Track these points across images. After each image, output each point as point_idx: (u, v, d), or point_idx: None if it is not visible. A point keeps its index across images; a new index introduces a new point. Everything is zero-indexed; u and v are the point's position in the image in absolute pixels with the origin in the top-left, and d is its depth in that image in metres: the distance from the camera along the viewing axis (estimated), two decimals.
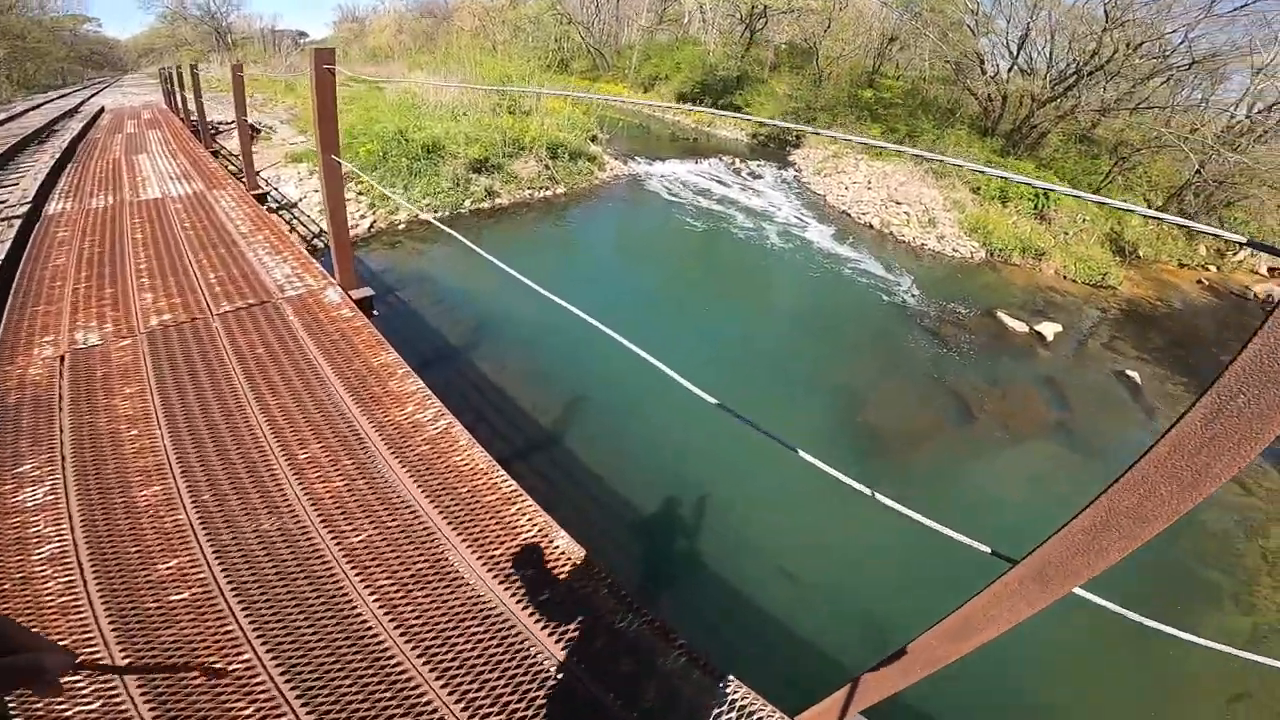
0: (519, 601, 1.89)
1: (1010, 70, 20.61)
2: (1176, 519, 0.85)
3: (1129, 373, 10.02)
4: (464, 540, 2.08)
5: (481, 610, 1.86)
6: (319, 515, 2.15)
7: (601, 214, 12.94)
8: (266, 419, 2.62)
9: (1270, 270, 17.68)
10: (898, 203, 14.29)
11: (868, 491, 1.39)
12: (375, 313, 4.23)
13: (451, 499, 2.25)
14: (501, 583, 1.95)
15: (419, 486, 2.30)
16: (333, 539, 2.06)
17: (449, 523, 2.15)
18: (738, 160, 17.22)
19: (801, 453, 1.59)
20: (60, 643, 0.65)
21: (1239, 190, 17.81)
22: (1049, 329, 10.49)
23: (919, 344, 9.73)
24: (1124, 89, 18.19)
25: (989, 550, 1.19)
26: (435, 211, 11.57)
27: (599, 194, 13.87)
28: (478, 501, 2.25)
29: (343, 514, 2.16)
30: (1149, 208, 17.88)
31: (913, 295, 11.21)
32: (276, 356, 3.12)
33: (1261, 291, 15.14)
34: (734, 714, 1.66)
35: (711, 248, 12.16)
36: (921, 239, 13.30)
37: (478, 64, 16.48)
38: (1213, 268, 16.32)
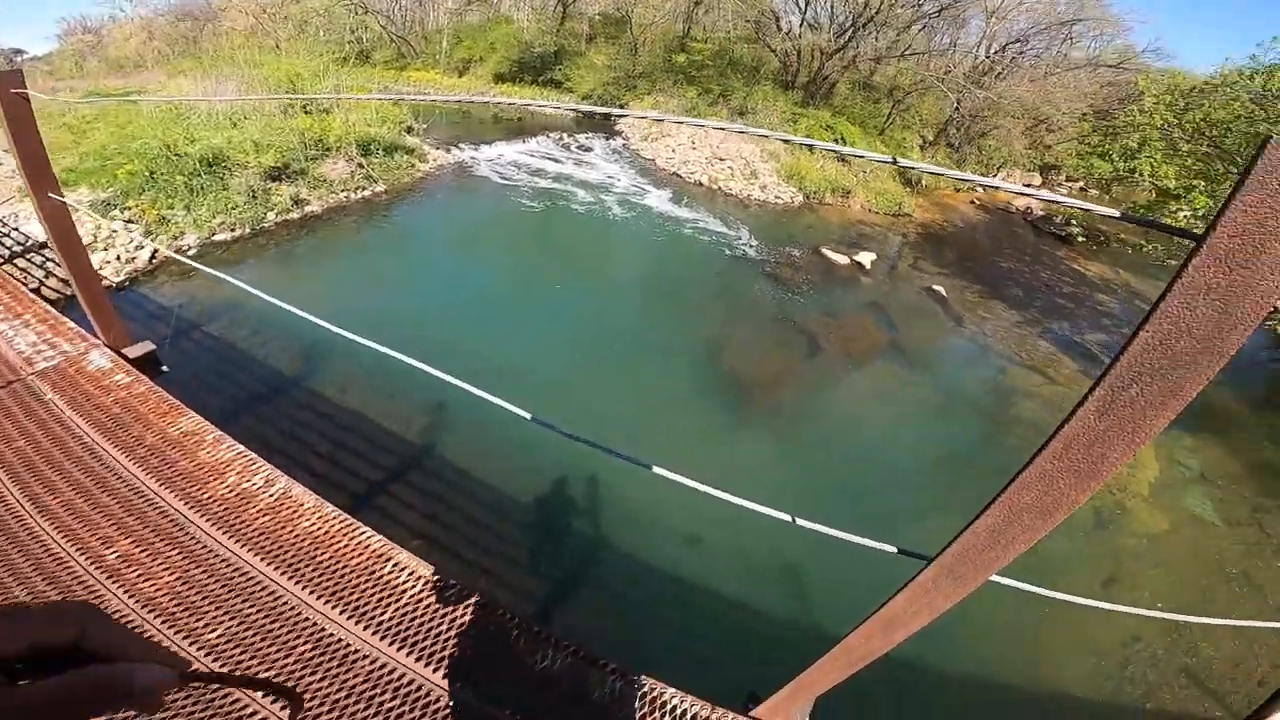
0: (425, 664, 1.74)
1: (801, 26, 22.38)
2: (1076, 508, 0.85)
3: (935, 287, 11.56)
4: (344, 612, 1.86)
5: (388, 679, 1.71)
6: (158, 616, 1.81)
7: (430, 208, 12.07)
8: (54, 524, 2.08)
9: (1025, 186, 21.36)
10: (721, 159, 15.01)
11: (768, 512, 1.35)
12: (165, 369, 3.50)
13: (314, 570, 1.97)
14: (401, 648, 1.77)
15: (270, 563, 1.98)
16: (184, 638, 1.77)
17: (318, 595, 1.89)
18: (565, 135, 16.99)
19: (657, 469, 1.53)
20: None
21: (990, 122, 21.18)
22: (866, 258, 11.73)
23: (761, 289, 10.39)
24: (891, 38, 20.61)
25: (896, 550, 1.18)
26: (233, 229, 10.03)
27: (424, 187, 12.92)
28: (345, 565, 1.99)
29: (186, 610, 1.84)
30: (923, 144, 20.53)
31: (747, 244, 11.91)
32: (43, 448, 2.45)
33: (1020, 205, 18.26)
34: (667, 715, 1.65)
35: (552, 227, 11.91)
36: (747, 190, 14.13)
37: (256, 65, 14.42)
38: (981, 189, 19.31)
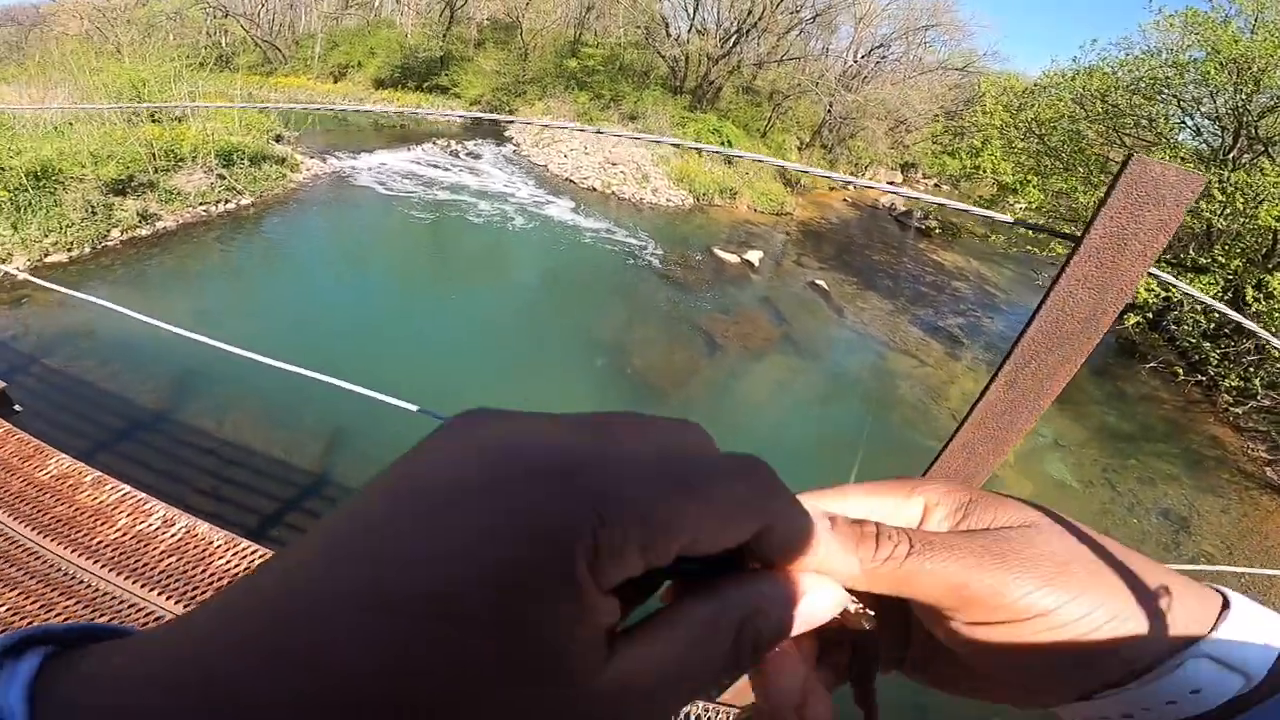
0: None
1: (689, 31, 23.16)
2: (991, 472, 0.98)
3: (818, 281, 12.40)
4: None
5: None
6: None
7: (306, 221, 11.28)
8: None
9: (890, 183, 23.44)
10: (614, 164, 15.24)
11: None
12: (18, 409, 3.08)
13: None
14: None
15: (190, 607, 1.78)
16: None
17: None
18: (453, 142, 16.48)
19: None
20: None
21: (858, 124, 23.03)
22: (754, 256, 12.38)
23: (658, 290, 10.67)
24: (771, 43, 21.85)
25: None
26: (69, 249, 8.90)
27: (298, 199, 12.04)
28: None
29: None
30: (800, 145, 21.91)
31: (642, 247, 12.18)
32: None
33: (885, 203, 19.99)
34: None
35: (442, 238, 11.53)
36: (639, 194, 14.46)
37: (94, 71, 12.76)
38: (852, 188, 20.94)
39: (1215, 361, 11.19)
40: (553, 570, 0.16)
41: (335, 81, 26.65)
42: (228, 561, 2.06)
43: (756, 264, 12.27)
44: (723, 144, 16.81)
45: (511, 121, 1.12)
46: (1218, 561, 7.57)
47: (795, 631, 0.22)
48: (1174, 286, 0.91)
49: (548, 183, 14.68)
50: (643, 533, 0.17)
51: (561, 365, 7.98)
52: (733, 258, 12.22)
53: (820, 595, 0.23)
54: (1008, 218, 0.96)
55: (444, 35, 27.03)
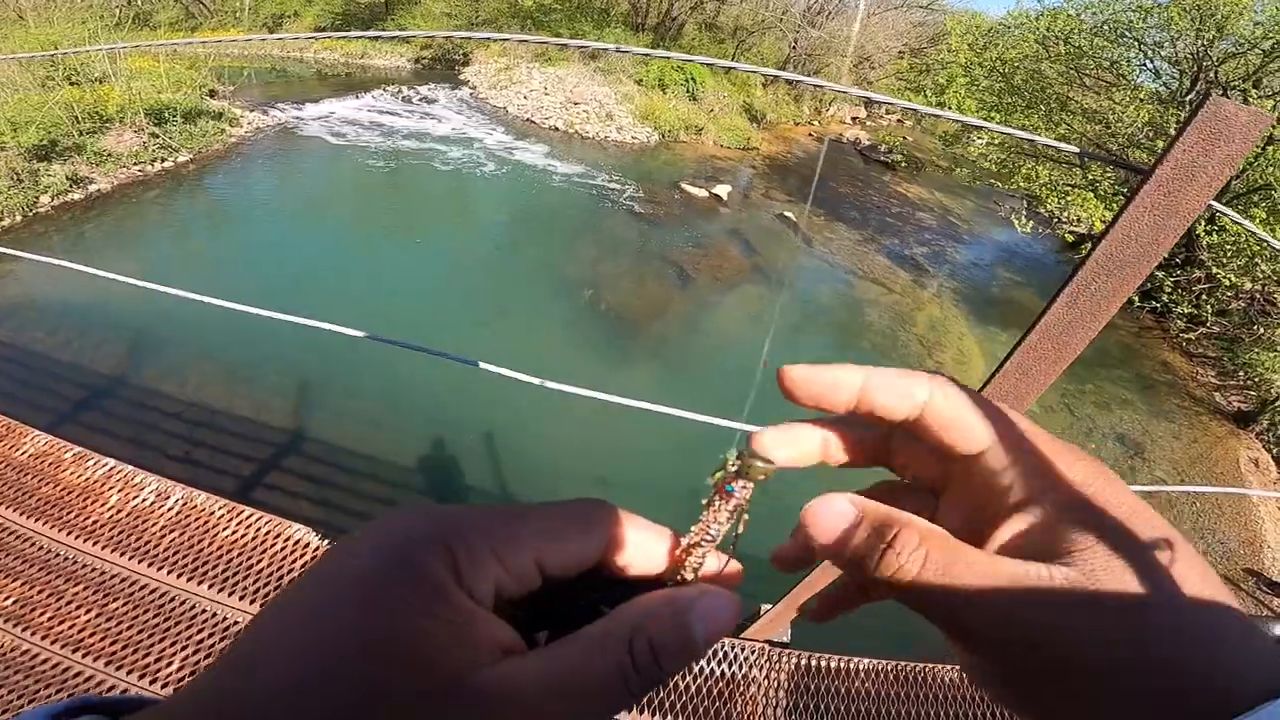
0: None
1: None
2: (1043, 391, 0.98)
3: (786, 213, 12.35)
4: None
5: None
6: (98, 659, 1.59)
7: (254, 175, 10.73)
8: None
9: (853, 119, 23.18)
10: (576, 103, 14.75)
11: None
12: None
13: (256, 581, 1.82)
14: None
15: (201, 583, 1.79)
16: (141, 678, 1.58)
17: None
18: (404, 88, 15.68)
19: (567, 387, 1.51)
20: None
21: (822, 60, 22.55)
22: (722, 190, 12.24)
23: (627, 227, 10.53)
24: None
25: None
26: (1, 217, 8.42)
27: (241, 153, 11.42)
28: (289, 570, 1.85)
29: (127, 647, 1.63)
30: (765, 82, 21.41)
31: (610, 184, 11.93)
32: None
33: (850, 136, 19.82)
34: None
35: (402, 185, 11.11)
36: (604, 133, 14.07)
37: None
38: (815, 123, 20.68)
39: (1168, 290, 11.60)
40: (408, 577, 0.20)
41: (270, 32, 24.95)
42: (233, 532, 1.99)
43: (725, 198, 12.15)
44: (688, 82, 16.35)
45: (496, 40, 1.03)
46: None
47: (700, 639, 0.22)
48: (1228, 217, 0.97)
49: (508, 124, 14.16)
50: (489, 545, 0.22)
51: (534, 305, 7.89)
52: (701, 192, 12.07)
53: (716, 603, 0.23)
54: (1074, 148, 0.99)
55: None
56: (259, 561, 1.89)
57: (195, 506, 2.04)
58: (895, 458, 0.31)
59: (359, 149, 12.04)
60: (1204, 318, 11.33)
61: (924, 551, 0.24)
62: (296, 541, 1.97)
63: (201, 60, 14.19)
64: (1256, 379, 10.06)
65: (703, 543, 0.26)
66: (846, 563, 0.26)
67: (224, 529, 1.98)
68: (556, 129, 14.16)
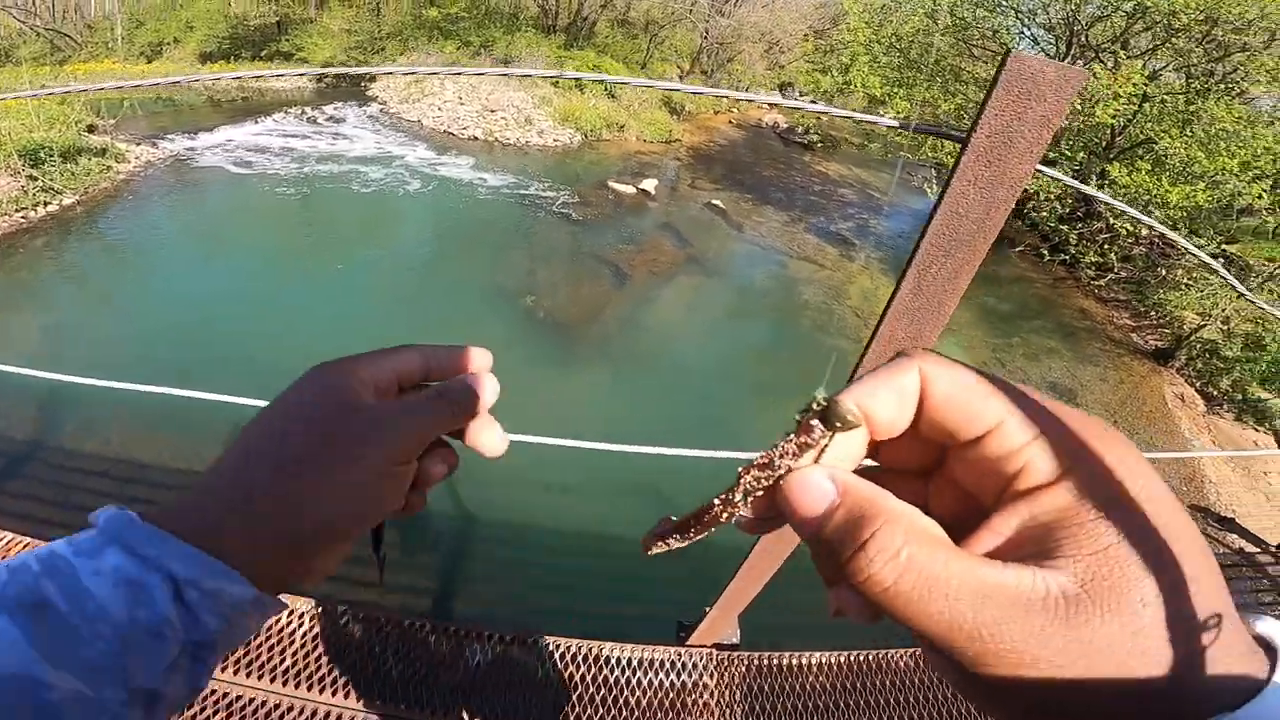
0: (348, 696, 1.59)
1: None
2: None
3: (714, 201, 12.51)
4: (238, 671, 1.69)
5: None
6: None
7: (150, 213, 9.98)
8: None
9: (771, 105, 23.75)
10: (493, 110, 14.46)
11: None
12: None
13: None
14: (315, 688, 1.60)
15: None
16: None
17: None
18: (308, 109, 14.92)
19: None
20: None
21: (734, 48, 22.97)
22: (649, 184, 12.28)
23: (559, 231, 10.40)
24: None
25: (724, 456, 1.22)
26: None
27: (133, 191, 10.60)
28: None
29: None
30: (680, 74, 21.66)
31: (535, 189, 11.76)
32: None
33: (768, 121, 20.29)
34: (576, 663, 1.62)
35: (318, 212, 10.58)
36: (525, 138, 13.86)
37: None
38: (736, 110, 21.06)
39: (1074, 242, 12.42)
40: (337, 372, 0.38)
41: (149, 62, 23.34)
42: None
43: (652, 192, 12.20)
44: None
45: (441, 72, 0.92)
46: None
47: (474, 405, 0.41)
48: (1061, 181, 0.91)
49: (425, 138, 13.71)
50: (373, 362, 0.39)
51: (471, 321, 7.67)
52: (628, 189, 12.07)
53: (483, 385, 0.42)
54: (894, 121, 0.92)
55: None
56: None
57: None
58: (879, 451, 0.28)
59: (266, 177, 11.38)
60: (1110, 265, 12.19)
61: (904, 557, 0.21)
62: None
63: (73, 95, 13.13)
64: (1167, 317, 10.93)
65: (766, 468, 0.24)
66: (818, 549, 0.23)
67: None
68: (476, 138, 13.84)
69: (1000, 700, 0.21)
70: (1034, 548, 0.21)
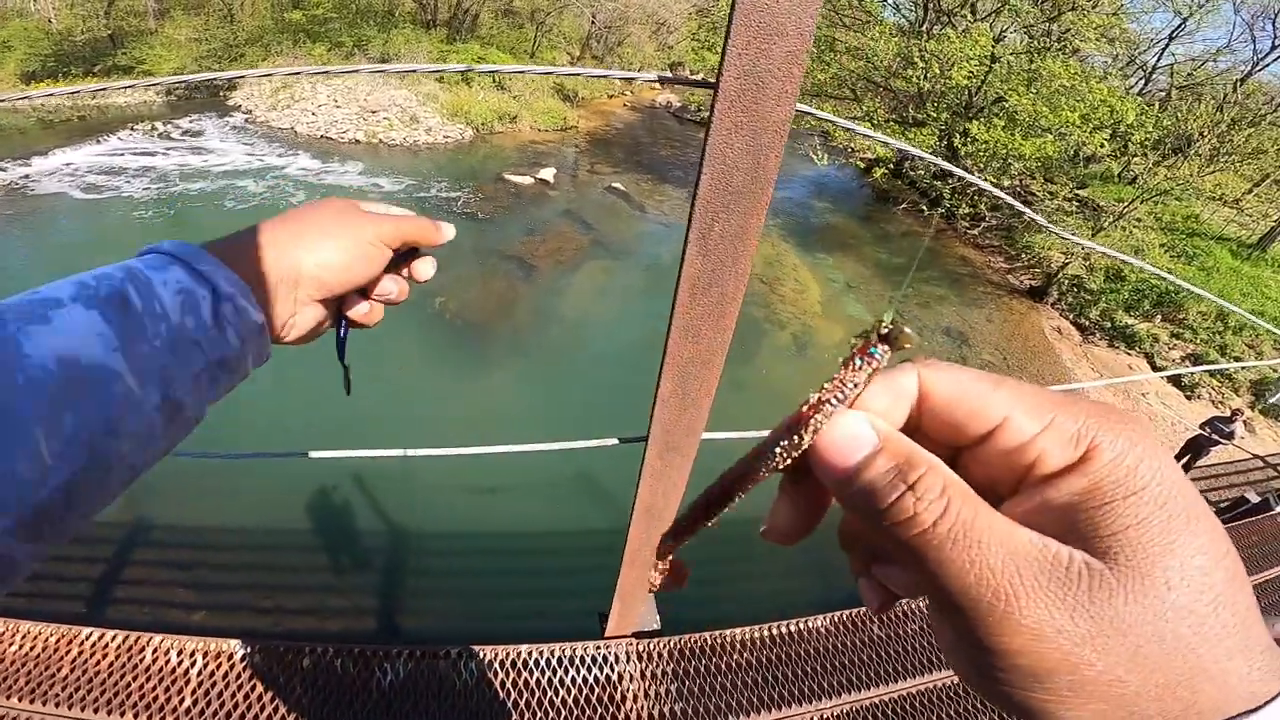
0: None
1: None
2: (729, 346, 0.88)
3: (615, 185, 12.52)
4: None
5: None
6: None
7: None
8: None
9: (661, 82, 24.00)
10: (374, 111, 13.73)
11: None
12: None
13: (60, 688, 1.56)
14: None
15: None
16: None
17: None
18: (159, 123, 13.53)
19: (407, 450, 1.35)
20: None
21: (623, 31, 22.95)
22: (548, 173, 12.13)
23: (458, 228, 10.07)
24: None
25: (617, 441, 1.17)
26: None
27: None
28: (90, 675, 1.57)
29: None
30: (571, 60, 21.47)
31: (428, 188, 11.32)
32: None
33: (661, 101, 20.50)
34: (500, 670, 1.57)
35: (184, 231, 9.67)
36: (411, 137, 13.29)
37: None
38: (629, 93, 21.13)
39: (948, 196, 13.43)
40: (345, 202, 0.50)
41: None
42: (18, 647, 1.65)
43: (552, 181, 12.06)
44: (493, 73, 15.84)
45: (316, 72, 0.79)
46: (998, 369, 9.32)
47: (436, 234, 0.57)
48: (837, 124, 0.86)
49: (300, 145, 12.82)
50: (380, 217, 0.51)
51: (374, 332, 7.28)
52: (526, 179, 11.86)
53: (444, 230, 0.56)
54: (652, 76, 0.83)
55: (106, 12, 21.63)
56: (64, 671, 1.59)
57: (30, 635, 1.66)
58: None
59: (120, 200, 10.27)
60: (982, 215, 13.28)
61: (945, 501, 0.21)
62: (109, 646, 1.67)
63: None
64: (1036, 258, 12.06)
65: (833, 400, 0.23)
66: (853, 496, 0.22)
67: (71, 654, 1.65)
68: (358, 141, 13.10)
69: (1008, 675, 0.20)
70: (1051, 531, 0.21)
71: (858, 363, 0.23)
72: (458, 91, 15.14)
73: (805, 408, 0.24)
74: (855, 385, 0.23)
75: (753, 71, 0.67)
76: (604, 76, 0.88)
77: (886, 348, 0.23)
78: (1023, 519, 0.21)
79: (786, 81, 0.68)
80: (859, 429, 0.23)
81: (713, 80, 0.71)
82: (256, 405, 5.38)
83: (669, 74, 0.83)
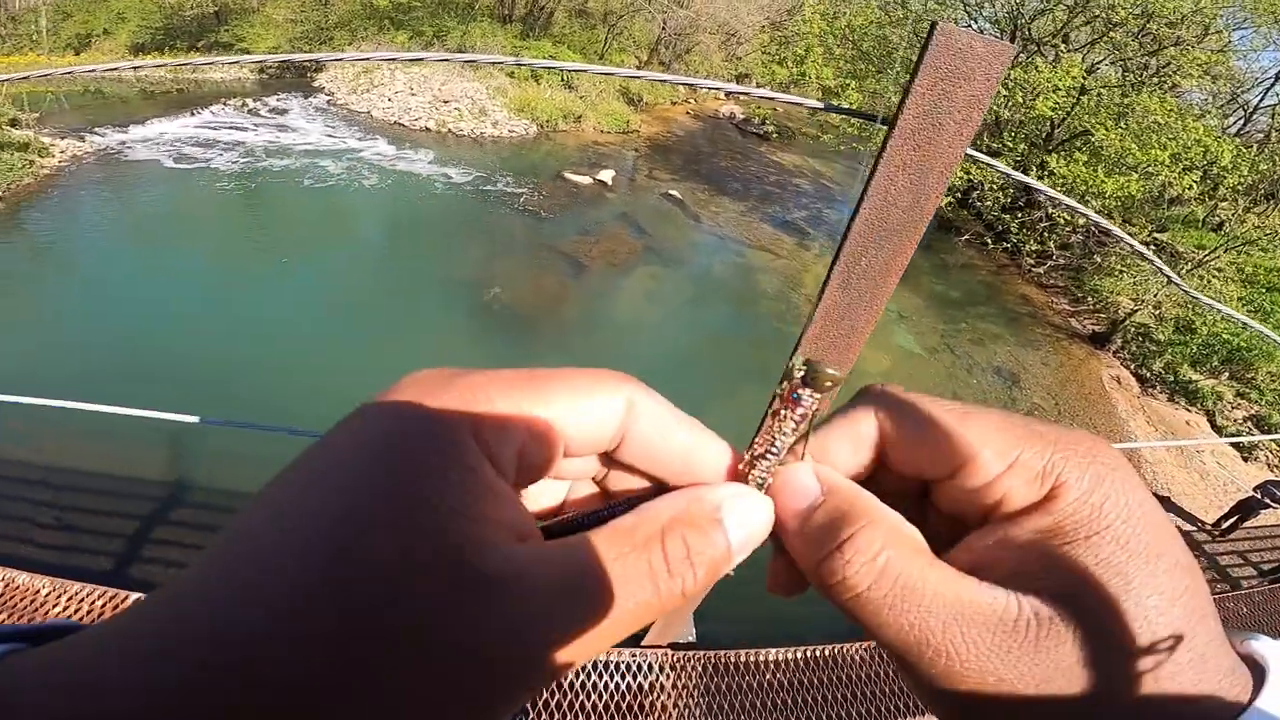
0: None
1: None
2: (843, 381, 0.90)
3: (671, 192, 12.54)
4: None
5: None
6: None
7: (80, 210, 9.47)
8: None
9: (728, 95, 23.90)
10: (446, 101, 14.18)
11: None
12: None
13: None
14: None
15: None
16: None
17: None
18: (249, 100, 14.34)
19: None
20: None
21: (692, 39, 22.99)
22: (607, 175, 12.24)
23: (514, 222, 10.28)
24: None
25: None
26: None
27: (60, 185, 10.05)
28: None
29: None
30: (638, 65, 21.61)
31: (490, 181, 11.59)
32: None
33: (725, 112, 20.43)
34: None
35: (266, 208, 10.20)
36: (479, 129, 13.65)
37: None
38: (692, 101, 21.13)
39: (1015, 230, 12.89)
40: (432, 438, 0.17)
41: (76, 54, 22.13)
42: (62, 609, 1.74)
43: (610, 183, 12.16)
44: (563, 71, 16.12)
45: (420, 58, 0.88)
46: (1048, 414, 8.88)
47: (736, 547, 0.21)
48: (992, 166, 0.87)
49: (375, 130, 13.35)
50: (515, 405, 0.19)
51: (428, 317, 7.54)
52: (585, 179, 12.00)
53: (749, 505, 0.22)
54: (818, 104, 0.90)
55: None
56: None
57: (17, 586, 1.75)
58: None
59: (207, 171, 10.92)
60: (1050, 252, 12.69)
61: (882, 561, 0.20)
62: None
63: None
64: (1103, 303, 11.45)
65: (768, 455, 0.22)
66: (794, 552, 0.22)
67: (52, 605, 1.73)
68: (428, 130, 13.56)
69: (959, 714, 0.21)
70: (1010, 569, 0.20)
71: (784, 412, 0.22)
72: (526, 88, 15.47)
73: (742, 466, 0.23)
74: (788, 434, 0.22)
75: (933, 112, 0.66)
76: (743, 94, 0.88)
77: (811, 391, 0.22)
78: (984, 554, 0.21)
79: (964, 125, 0.67)
80: (803, 478, 0.22)
81: (874, 112, 0.73)
82: (309, 381, 5.63)
83: (821, 101, 0.85)
